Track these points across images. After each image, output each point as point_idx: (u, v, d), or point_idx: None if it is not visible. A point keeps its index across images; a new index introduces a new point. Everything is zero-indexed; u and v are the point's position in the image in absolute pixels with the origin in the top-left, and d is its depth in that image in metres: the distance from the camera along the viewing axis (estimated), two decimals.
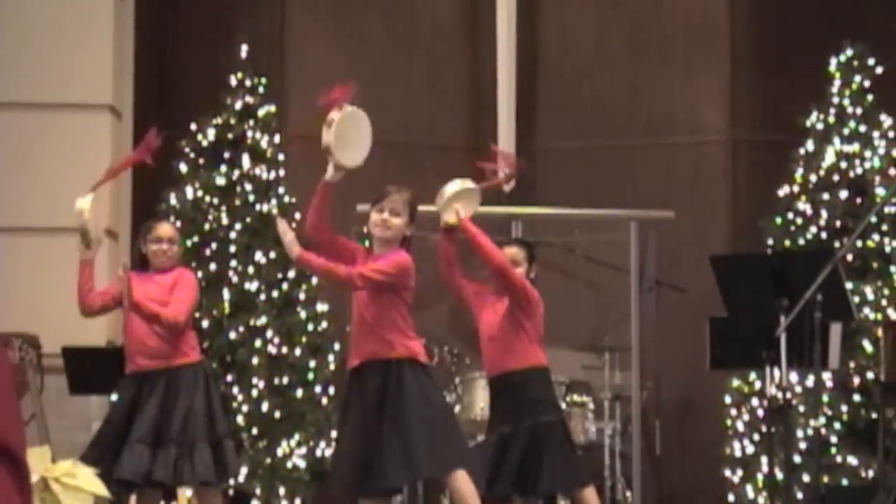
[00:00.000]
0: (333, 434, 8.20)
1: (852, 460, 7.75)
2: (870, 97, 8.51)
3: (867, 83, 8.52)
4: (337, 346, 8.48)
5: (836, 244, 7.69)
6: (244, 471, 7.84)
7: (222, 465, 6.02)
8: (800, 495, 7.55)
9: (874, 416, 7.68)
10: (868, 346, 7.86)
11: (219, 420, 6.11)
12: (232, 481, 7.56)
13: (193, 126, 8.53)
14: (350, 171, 5.59)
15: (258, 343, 8.10)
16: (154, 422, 5.97)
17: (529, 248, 6.36)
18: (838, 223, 8.18)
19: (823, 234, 8.17)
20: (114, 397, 6.94)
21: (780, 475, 7.03)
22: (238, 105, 8.56)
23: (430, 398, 5.44)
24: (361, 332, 5.47)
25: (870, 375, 7.81)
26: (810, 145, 8.45)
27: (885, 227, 8.20)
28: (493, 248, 5.87)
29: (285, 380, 8.13)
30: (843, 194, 8.25)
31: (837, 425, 7.81)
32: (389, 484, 5.44)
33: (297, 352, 8.17)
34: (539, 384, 6.15)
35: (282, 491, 7.99)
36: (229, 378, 8.02)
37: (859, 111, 8.45)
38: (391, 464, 5.26)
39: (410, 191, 5.70)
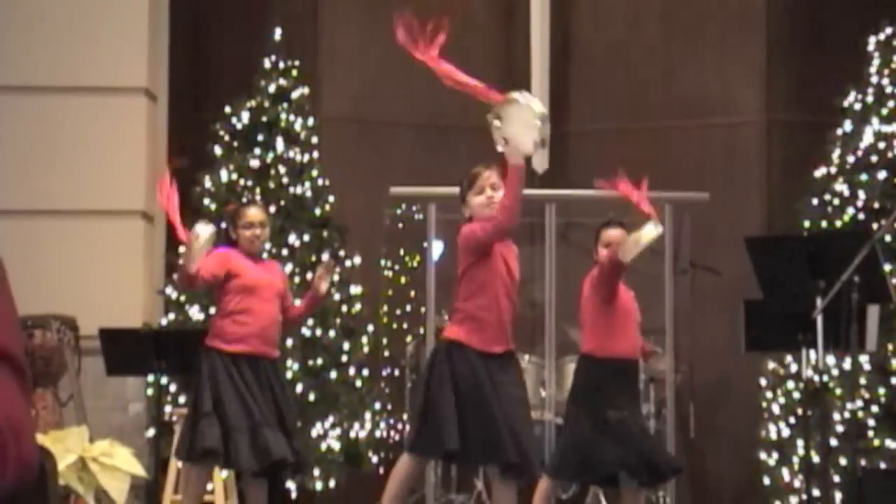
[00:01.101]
0: (367, 416, 8.24)
1: (890, 443, 7.70)
2: None
3: None
4: (370, 328, 8.50)
5: (874, 225, 7.63)
6: None
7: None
8: (836, 478, 7.50)
9: None
10: None
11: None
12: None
13: (227, 109, 8.55)
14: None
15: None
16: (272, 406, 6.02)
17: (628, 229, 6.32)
18: (876, 204, 8.11)
19: (861, 216, 8.11)
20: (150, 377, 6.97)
21: (816, 458, 7.00)
22: (272, 88, 8.57)
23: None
24: (508, 320, 5.40)
25: None
26: (848, 126, 8.38)
27: None
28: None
29: (319, 362, 8.15)
30: (882, 175, 8.18)
31: (875, 408, 7.76)
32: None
33: (331, 334, 8.19)
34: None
35: (316, 472, 8.01)
36: None
37: None
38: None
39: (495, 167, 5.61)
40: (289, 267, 8.21)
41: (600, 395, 6.06)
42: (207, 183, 8.38)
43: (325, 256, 7.99)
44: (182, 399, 7.75)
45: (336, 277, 8.36)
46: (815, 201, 8.27)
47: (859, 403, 7.51)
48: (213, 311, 6.64)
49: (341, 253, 8.44)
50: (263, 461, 5.92)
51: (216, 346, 6.04)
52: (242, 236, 6.17)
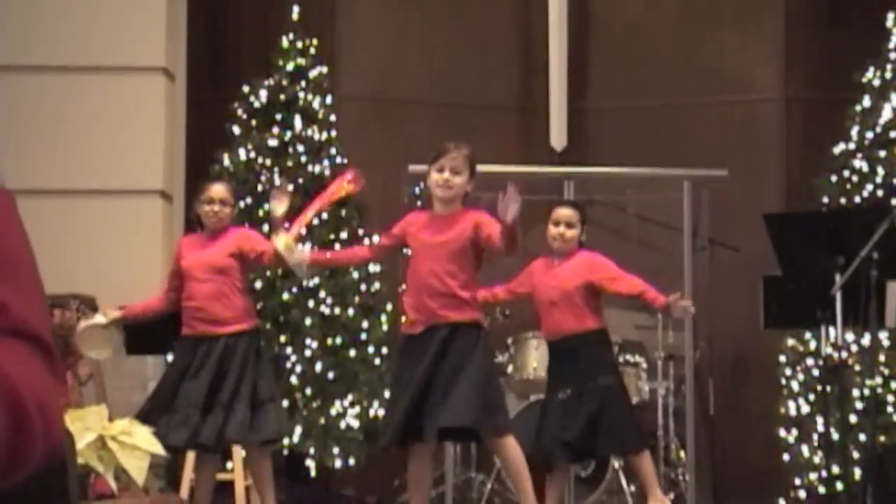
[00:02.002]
0: (387, 394, 8.26)
1: None
2: None
3: None
4: (389, 307, 8.51)
5: (893, 202, 7.60)
6: (298, 431, 7.90)
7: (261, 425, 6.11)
8: (856, 455, 7.50)
9: None
10: None
11: (263, 384, 6.20)
12: (287, 440, 7.63)
13: (246, 88, 8.56)
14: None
15: (311, 304, 8.14)
16: (209, 386, 6.05)
17: (582, 209, 6.34)
18: (895, 181, 8.08)
19: (880, 192, 8.08)
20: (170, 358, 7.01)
21: (835, 435, 6.99)
22: (290, 67, 8.56)
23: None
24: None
25: None
26: (867, 102, 8.34)
27: None
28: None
29: (338, 340, 8.17)
30: None
31: (894, 385, 7.74)
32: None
33: (350, 312, 8.20)
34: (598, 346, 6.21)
35: (335, 451, 8.04)
36: (283, 339, 8.07)
37: None
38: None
39: (469, 146, 5.63)
40: (307, 245, 8.22)
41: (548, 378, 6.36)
42: (226, 161, 8.40)
43: (280, 182, 7.99)
44: None
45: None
46: (833, 178, 8.23)
47: (878, 380, 7.49)
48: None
49: (360, 231, 8.44)
50: (184, 442, 6.03)
51: (185, 333, 6.21)
52: (202, 211, 6.25)
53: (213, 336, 6.13)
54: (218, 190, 6.34)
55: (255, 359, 6.21)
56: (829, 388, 6.82)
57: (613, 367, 6.43)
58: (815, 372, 7.88)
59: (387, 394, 8.23)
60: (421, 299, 5.53)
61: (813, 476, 7.90)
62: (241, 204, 8.12)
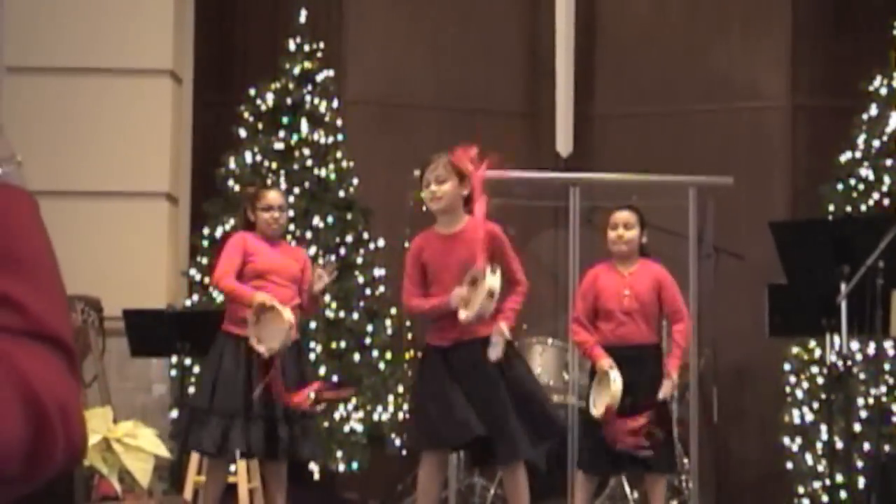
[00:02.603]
0: (390, 398, 8.26)
1: None
2: None
3: None
4: (394, 311, 8.51)
5: None
6: None
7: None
8: (860, 464, 7.49)
9: None
10: None
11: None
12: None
13: (252, 91, 8.57)
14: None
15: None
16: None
17: (640, 212, 6.30)
18: None
19: (886, 201, 8.07)
20: (174, 359, 7.00)
21: (839, 444, 6.98)
22: (296, 70, 8.57)
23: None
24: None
25: None
26: (873, 110, 8.34)
27: None
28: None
29: (343, 344, 8.17)
30: None
31: None
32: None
33: (355, 316, 8.21)
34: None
35: (339, 454, 8.04)
36: None
37: None
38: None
39: (457, 151, 5.51)
40: (312, 249, 8.23)
41: None
42: (232, 165, 8.40)
43: (331, 258, 7.94)
44: None
45: (359, 261, 8.38)
46: (839, 186, 8.23)
47: (883, 389, 7.48)
48: None
49: (365, 235, 8.45)
50: (252, 448, 5.98)
51: (229, 330, 6.06)
52: (261, 219, 6.16)
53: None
54: (275, 197, 6.26)
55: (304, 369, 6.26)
56: (833, 397, 6.81)
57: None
58: (820, 380, 7.87)
59: (390, 398, 8.25)
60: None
61: (817, 484, 7.89)
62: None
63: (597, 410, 5.89)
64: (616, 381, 5.81)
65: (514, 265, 5.37)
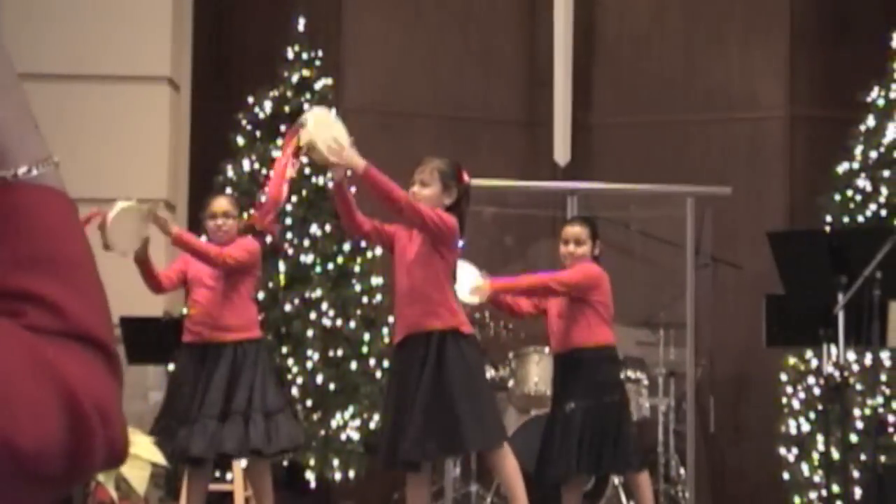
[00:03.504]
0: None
1: None
2: None
3: None
4: (391, 319, 8.51)
5: None
6: None
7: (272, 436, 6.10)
8: (856, 475, 7.48)
9: None
10: None
11: (272, 393, 6.20)
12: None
13: (250, 99, 8.57)
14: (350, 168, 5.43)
15: (313, 315, 8.13)
16: (222, 395, 6.05)
17: (592, 224, 6.31)
18: None
19: (883, 212, 8.08)
20: (171, 367, 7.02)
21: (836, 454, 6.98)
22: (295, 78, 8.57)
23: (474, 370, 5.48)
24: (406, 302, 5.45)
25: None
26: (871, 121, 8.34)
27: None
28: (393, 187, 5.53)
29: (340, 352, 8.16)
30: None
31: (895, 405, 7.73)
32: (429, 457, 5.46)
33: (352, 324, 8.20)
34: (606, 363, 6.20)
35: (335, 463, 8.03)
36: (284, 350, 8.07)
37: None
38: (436, 436, 5.29)
39: (444, 159, 5.58)
40: (310, 257, 8.23)
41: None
42: (230, 172, 8.40)
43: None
44: None
45: (357, 269, 8.38)
46: (837, 197, 8.23)
47: (880, 400, 7.48)
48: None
49: (362, 243, 8.45)
50: (189, 453, 6.03)
51: (182, 340, 6.19)
52: (207, 228, 6.27)
53: (221, 343, 6.10)
54: (220, 203, 6.33)
55: (265, 368, 6.22)
56: (830, 407, 6.81)
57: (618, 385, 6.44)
58: (817, 391, 7.87)
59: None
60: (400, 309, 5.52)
61: (813, 495, 7.89)
62: (245, 215, 8.13)
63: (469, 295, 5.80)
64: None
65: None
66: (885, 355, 7.52)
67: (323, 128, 5.27)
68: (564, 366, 6.20)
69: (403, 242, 5.47)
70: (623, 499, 7.53)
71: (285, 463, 7.87)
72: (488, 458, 5.62)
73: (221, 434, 6.00)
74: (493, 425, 5.46)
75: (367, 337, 8.26)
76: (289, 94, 8.54)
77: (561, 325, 6.15)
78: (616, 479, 7.44)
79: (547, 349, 7.80)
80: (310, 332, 8.05)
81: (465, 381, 5.34)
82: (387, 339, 8.38)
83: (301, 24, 8.69)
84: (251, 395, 6.06)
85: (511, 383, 7.84)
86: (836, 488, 7.18)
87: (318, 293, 8.16)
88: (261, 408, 6.06)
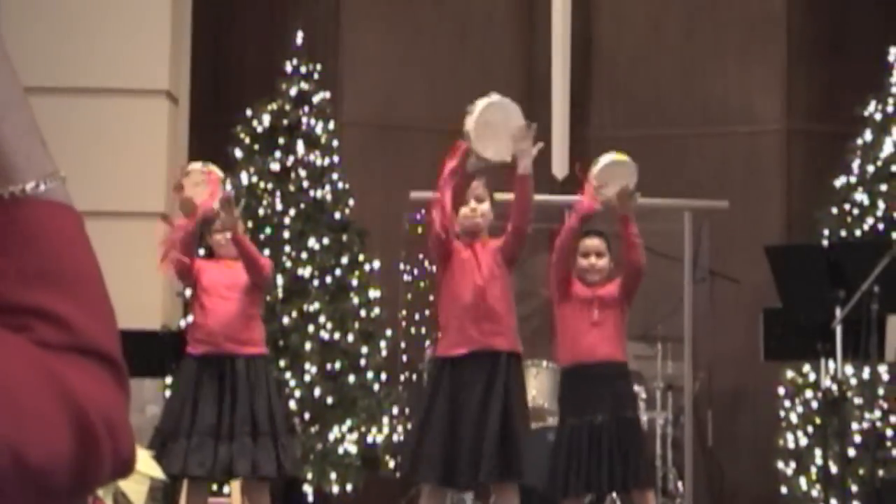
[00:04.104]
0: (385, 420, 8.24)
1: None
2: None
3: None
4: (389, 333, 8.51)
5: (894, 235, 7.61)
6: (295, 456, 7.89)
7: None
8: (854, 489, 7.48)
9: None
10: None
11: (280, 414, 6.21)
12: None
13: (248, 112, 8.57)
14: (493, 163, 5.44)
15: (311, 329, 8.13)
16: (231, 409, 6.02)
17: (607, 237, 6.30)
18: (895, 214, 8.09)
19: (881, 226, 8.09)
20: (168, 380, 7.00)
21: (834, 468, 6.98)
22: (293, 91, 8.58)
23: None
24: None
25: None
26: (868, 135, 8.36)
27: None
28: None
29: (338, 366, 8.16)
30: None
31: (893, 419, 7.73)
32: (493, 479, 5.47)
33: (350, 338, 8.20)
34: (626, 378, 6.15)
35: (333, 476, 8.02)
36: (282, 363, 8.06)
37: None
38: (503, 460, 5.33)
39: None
40: (308, 270, 8.23)
41: None
42: (227, 186, 8.39)
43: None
44: None
45: (355, 282, 8.38)
46: (834, 210, 8.24)
47: (878, 414, 7.48)
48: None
49: (360, 257, 8.45)
50: (205, 470, 5.99)
51: (188, 352, 6.13)
52: (213, 240, 6.24)
53: (236, 356, 6.08)
54: None
55: (275, 386, 6.24)
56: (828, 421, 6.81)
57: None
58: (815, 404, 7.87)
59: (385, 420, 8.24)
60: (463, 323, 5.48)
61: None
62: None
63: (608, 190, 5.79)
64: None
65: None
66: (882, 369, 7.52)
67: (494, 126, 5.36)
68: (589, 378, 6.05)
69: (465, 256, 5.46)
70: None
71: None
72: (510, 484, 5.58)
73: (232, 454, 5.97)
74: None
75: (364, 350, 8.26)
76: (287, 107, 8.55)
77: (595, 336, 6.03)
78: (614, 493, 7.42)
79: (545, 363, 7.80)
80: (308, 346, 8.05)
81: (525, 408, 5.50)
82: (384, 353, 8.38)
83: (299, 38, 8.71)
84: (270, 413, 6.05)
85: None
86: (834, 502, 7.18)
87: (315, 306, 8.16)
88: (270, 429, 6.04)
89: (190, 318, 7.51)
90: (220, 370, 6.04)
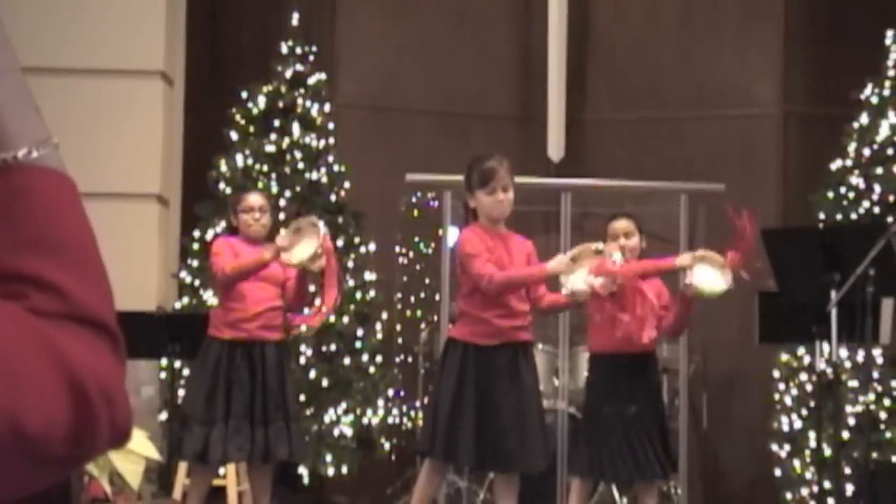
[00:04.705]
0: (380, 402, 8.25)
1: None
2: None
3: None
4: (385, 315, 8.51)
5: (889, 219, 7.61)
6: None
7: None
8: (848, 471, 7.50)
9: None
10: None
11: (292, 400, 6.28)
12: None
13: (244, 94, 8.56)
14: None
15: (306, 310, 8.13)
16: (251, 396, 6.06)
17: (635, 218, 6.27)
18: (892, 198, 8.09)
19: (876, 209, 8.09)
20: (164, 361, 6.98)
21: (828, 451, 6.99)
22: (289, 73, 8.57)
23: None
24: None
25: None
26: (864, 119, 8.35)
27: None
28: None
29: (333, 348, 8.16)
30: None
31: (887, 401, 7.75)
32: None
33: (345, 320, 8.20)
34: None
35: (328, 458, 8.03)
36: None
37: None
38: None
39: (507, 159, 5.64)
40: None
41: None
42: (223, 167, 8.40)
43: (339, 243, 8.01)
44: None
45: (351, 264, 8.38)
46: (830, 194, 8.24)
47: (872, 396, 7.50)
48: None
49: (356, 239, 8.45)
50: (242, 455, 6.01)
51: (213, 335, 6.11)
52: (242, 221, 6.21)
53: (263, 341, 6.10)
54: (256, 198, 6.32)
55: (290, 374, 6.33)
56: (822, 404, 6.82)
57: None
58: (809, 387, 7.88)
59: (380, 402, 8.25)
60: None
61: (805, 491, 7.90)
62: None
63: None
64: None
65: None
66: (877, 352, 7.54)
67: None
68: (628, 367, 5.98)
69: (498, 254, 5.57)
70: (616, 495, 7.53)
71: None
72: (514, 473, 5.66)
73: (268, 439, 6.02)
74: None
75: (360, 332, 8.26)
76: (283, 89, 8.54)
77: (636, 324, 5.94)
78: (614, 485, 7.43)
79: (541, 345, 7.80)
80: (303, 327, 8.04)
81: (539, 395, 5.69)
82: (380, 335, 8.39)
83: (295, 19, 8.69)
84: (284, 399, 6.11)
85: None
86: (827, 485, 7.20)
87: (311, 288, 8.15)
88: (285, 415, 6.09)
89: (212, 301, 7.50)
90: (250, 355, 6.05)
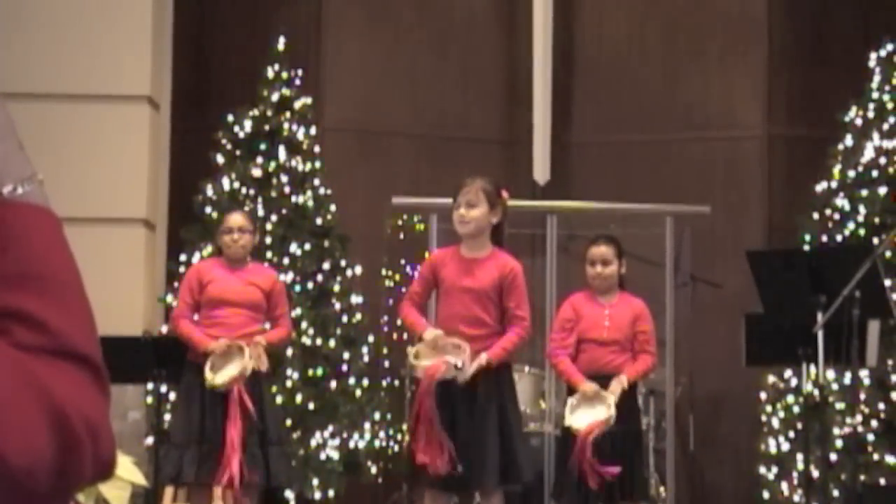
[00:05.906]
0: (367, 426, 8.23)
1: (890, 459, 7.69)
2: None
3: None
4: (371, 338, 8.50)
5: (875, 240, 7.63)
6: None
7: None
8: (836, 493, 7.49)
9: None
10: None
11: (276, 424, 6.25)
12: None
13: (230, 118, 8.56)
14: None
15: (292, 334, 8.11)
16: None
17: (617, 243, 6.31)
18: (877, 219, 8.11)
19: (861, 231, 8.11)
20: (150, 385, 6.95)
21: (816, 473, 6.99)
22: (274, 97, 8.57)
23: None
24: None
25: None
26: (849, 140, 8.39)
27: None
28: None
29: (319, 371, 8.15)
30: (882, 190, 8.18)
31: (874, 423, 7.75)
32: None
33: (332, 343, 8.19)
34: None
35: (315, 482, 8.00)
36: None
37: None
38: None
39: (486, 178, 5.60)
40: (289, 276, 8.21)
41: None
42: (209, 191, 8.39)
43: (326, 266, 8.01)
44: None
45: (336, 288, 8.37)
46: (815, 216, 8.27)
47: (859, 418, 7.50)
48: None
49: (342, 262, 8.44)
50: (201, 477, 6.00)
51: (191, 359, 6.11)
52: (223, 242, 6.22)
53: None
54: (236, 219, 6.32)
55: (271, 397, 6.30)
56: (809, 426, 6.82)
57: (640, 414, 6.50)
58: (796, 409, 7.88)
59: (367, 425, 8.22)
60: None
61: None
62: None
63: (577, 424, 5.87)
64: (612, 407, 5.82)
65: (518, 303, 5.53)
66: (864, 374, 7.54)
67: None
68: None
69: (448, 275, 5.59)
70: None
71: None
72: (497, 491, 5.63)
73: (268, 462, 6.01)
74: None
75: (346, 356, 8.25)
76: (268, 112, 8.54)
77: (616, 357, 6.12)
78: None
79: (527, 368, 7.80)
80: (289, 351, 8.03)
81: (518, 414, 5.77)
82: (366, 359, 8.37)
83: (281, 44, 8.70)
84: (265, 424, 6.09)
85: None
86: None
87: (297, 312, 8.14)
88: (261, 440, 6.07)
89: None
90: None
